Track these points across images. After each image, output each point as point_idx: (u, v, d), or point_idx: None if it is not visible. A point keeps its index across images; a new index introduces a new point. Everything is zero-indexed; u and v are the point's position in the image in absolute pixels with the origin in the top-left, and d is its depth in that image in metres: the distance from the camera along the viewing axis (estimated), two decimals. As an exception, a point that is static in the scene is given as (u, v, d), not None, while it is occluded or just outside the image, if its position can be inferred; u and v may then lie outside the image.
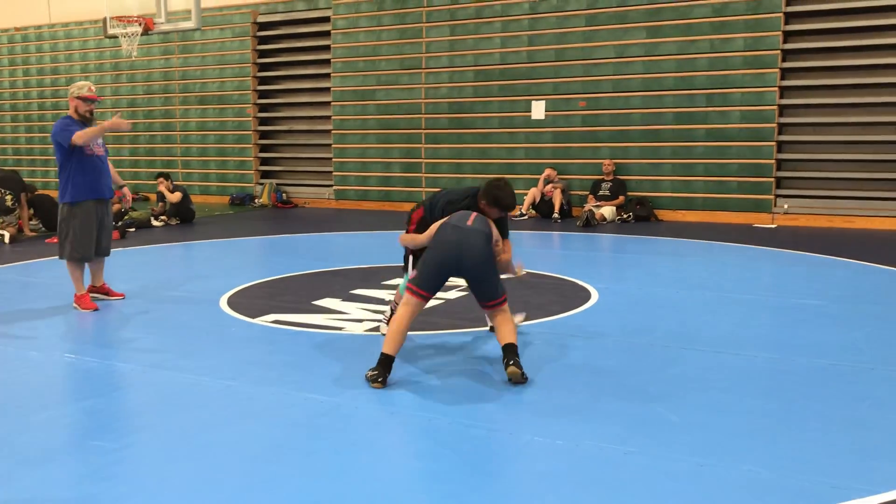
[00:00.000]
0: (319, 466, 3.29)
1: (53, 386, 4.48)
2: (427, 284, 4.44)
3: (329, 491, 3.07)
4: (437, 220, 4.70)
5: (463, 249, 4.40)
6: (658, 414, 3.86)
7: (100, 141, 6.48)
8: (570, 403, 4.04)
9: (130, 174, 17.74)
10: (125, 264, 8.60)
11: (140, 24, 12.69)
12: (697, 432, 3.62)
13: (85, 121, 6.41)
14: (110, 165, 6.76)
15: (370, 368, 4.35)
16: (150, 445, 3.56)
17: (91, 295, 6.55)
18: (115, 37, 13.24)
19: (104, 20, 13.26)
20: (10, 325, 5.76)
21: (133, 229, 11.56)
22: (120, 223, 11.35)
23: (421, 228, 4.88)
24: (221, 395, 4.21)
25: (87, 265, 6.56)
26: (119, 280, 7.27)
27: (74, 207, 6.33)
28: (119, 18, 12.91)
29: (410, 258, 5.06)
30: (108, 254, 6.70)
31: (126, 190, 7.02)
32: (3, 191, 10.52)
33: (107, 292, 6.71)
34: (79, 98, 6.39)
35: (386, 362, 4.31)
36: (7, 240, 10.34)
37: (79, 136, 6.19)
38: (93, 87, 6.56)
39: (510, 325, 4.47)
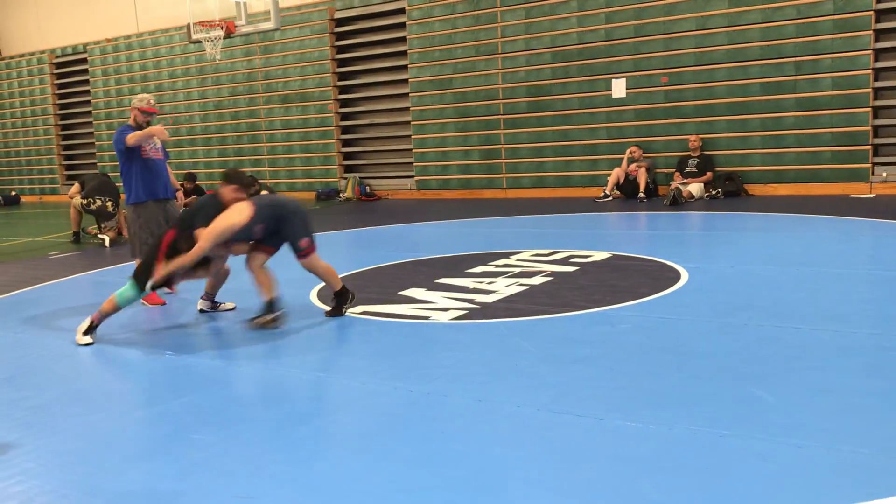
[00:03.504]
0: (411, 454, 3.34)
1: (153, 383, 4.67)
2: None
3: (421, 479, 3.10)
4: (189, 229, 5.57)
5: None
6: (753, 395, 3.76)
7: (158, 145, 6.87)
8: (661, 387, 3.97)
9: (221, 175, 18.21)
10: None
11: (222, 28, 13.05)
12: (796, 413, 3.50)
13: (142, 128, 6.80)
14: (169, 170, 7.12)
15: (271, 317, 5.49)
16: (248, 438, 3.68)
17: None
18: (198, 41, 13.68)
19: (188, 26, 13.69)
20: (108, 326, 6.03)
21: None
22: (212, 222, 11.73)
23: (172, 250, 5.49)
24: (314, 386, 4.31)
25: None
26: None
27: (138, 208, 6.69)
28: (202, 23, 13.30)
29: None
30: None
31: (179, 194, 7.41)
32: (104, 197, 11.01)
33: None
34: (138, 109, 6.83)
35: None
36: (108, 243, 10.82)
37: (130, 138, 6.61)
38: (152, 101, 6.99)
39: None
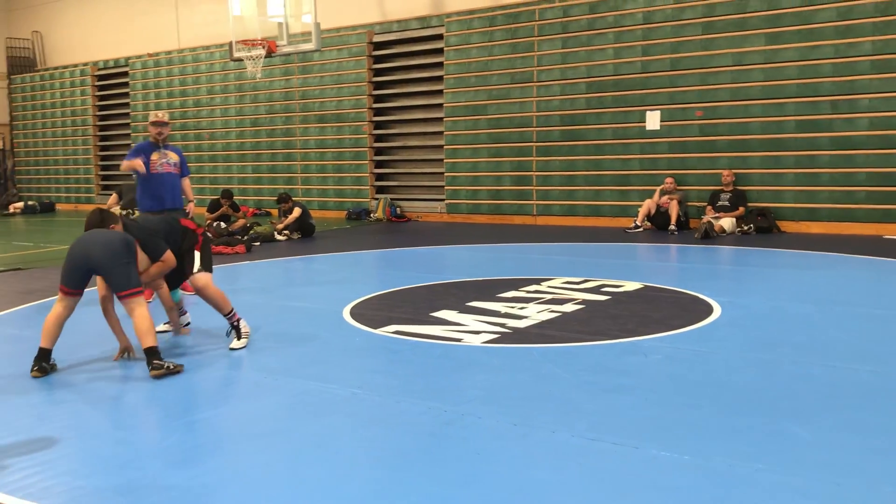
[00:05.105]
0: (446, 474, 3.37)
1: (191, 392, 4.75)
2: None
3: (458, 498, 3.14)
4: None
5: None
6: (789, 431, 3.75)
7: (172, 161, 7.36)
8: (696, 419, 3.98)
9: (254, 190, 18.53)
10: (251, 276, 9.00)
11: (264, 47, 13.26)
12: (832, 451, 3.50)
13: (156, 142, 7.34)
14: (186, 183, 7.60)
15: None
16: (285, 451, 3.73)
17: None
18: (240, 60, 13.90)
19: (230, 44, 13.93)
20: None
21: (258, 243, 12.08)
22: (245, 237, 11.89)
23: None
24: (349, 402, 4.36)
25: None
26: (246, 292, 7.63)
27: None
28: (244, 42, 13.52)
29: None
30: None
31: (190, 206, 7.74)
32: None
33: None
34: (148, 123, 7.37)
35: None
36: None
37: (123, 166, 7.28)
38: (160, 114, 7.38)
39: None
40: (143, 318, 5.05)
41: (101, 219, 5.36)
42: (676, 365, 4.99)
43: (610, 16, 13.67)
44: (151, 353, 4.98)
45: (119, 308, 5.36)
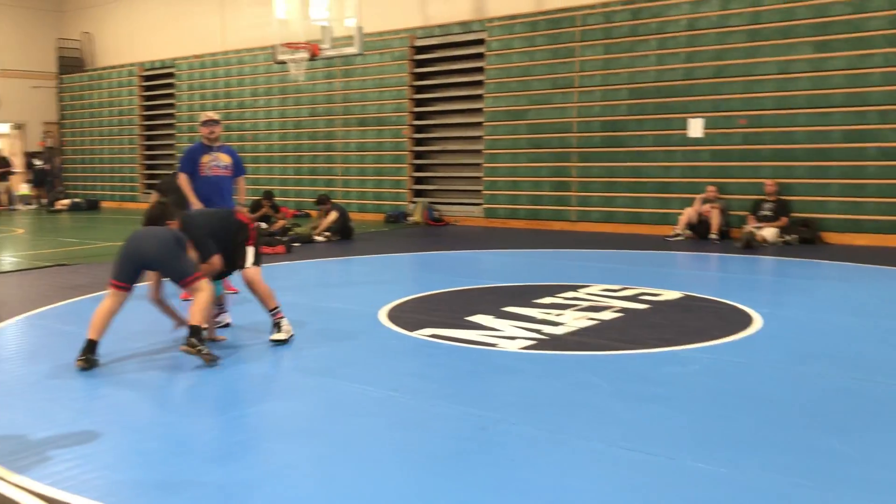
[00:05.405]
0: (479, 480, 3.37)
1: (228, 390, 4.81)
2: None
3: (490, 504, 3.14)
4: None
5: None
6: (830, 446, 3.68)
7: (222, 163, 7.42)
8: (733, 431, 3.92)
9: (294, 192, 18.67)
10: (291, 276, 9.08)
11: (307, 51, 13.38)
12: (877, 469, 3.42)
13: (209, 144, 7.41)
14: (240, 183, 7.68)
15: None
16: (320, 450, 3.76)
17: None
18: (283, 62, 14.04)
19: (274, 47, 14.09)
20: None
21: (297, 244, 12.19)
22: (285, 238, 12.01)
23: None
24: (384, 404, 4.38)
25: None
26: (285, 291, 7.69)
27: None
28: (288, 45, 13.66)
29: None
30: None
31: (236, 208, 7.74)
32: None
33: None
34: (199, 124, 7.47)
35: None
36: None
37: (184, 186, 7.32)
38: (210, 114, 7.47)
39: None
40: (202, 301, 5.21)
41: (161, 213, 5.54)
42: (714, 376, 4.92)
43: (653, 22, 13.56)
44: (194, 332, 5.12)
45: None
